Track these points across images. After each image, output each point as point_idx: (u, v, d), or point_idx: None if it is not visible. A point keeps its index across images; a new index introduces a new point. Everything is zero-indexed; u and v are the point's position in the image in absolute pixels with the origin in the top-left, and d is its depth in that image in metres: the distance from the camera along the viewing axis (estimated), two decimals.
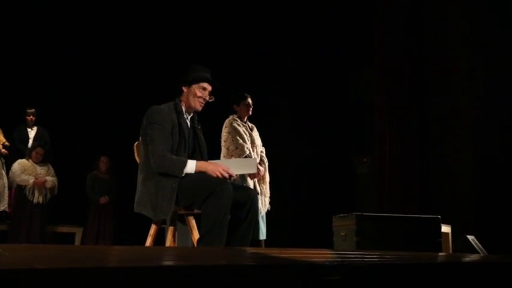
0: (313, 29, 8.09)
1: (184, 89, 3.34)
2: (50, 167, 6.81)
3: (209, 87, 3.35)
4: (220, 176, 3.08)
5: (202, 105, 3.35)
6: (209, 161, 3.31)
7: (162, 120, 3.18)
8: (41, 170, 6.68)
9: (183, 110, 3.33)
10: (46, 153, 6.82)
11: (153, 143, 3.13)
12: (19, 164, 6.62)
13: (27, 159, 6.70)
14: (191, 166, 3.11)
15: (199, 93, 3.31)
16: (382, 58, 6.92)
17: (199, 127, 3.45)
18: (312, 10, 8.04)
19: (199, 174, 3.11)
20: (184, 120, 3.31)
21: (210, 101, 3.36)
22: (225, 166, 3.17)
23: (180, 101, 3.34)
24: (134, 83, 7.81)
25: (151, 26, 7.92)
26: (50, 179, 6.69)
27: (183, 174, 3.09)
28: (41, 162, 6.74)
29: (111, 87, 7.84)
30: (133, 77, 7.84)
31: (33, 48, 7.53)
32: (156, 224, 3.26)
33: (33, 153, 6.71)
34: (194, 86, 3.31)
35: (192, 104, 3.31)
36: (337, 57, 8.01)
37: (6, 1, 7.32)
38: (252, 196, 3.20)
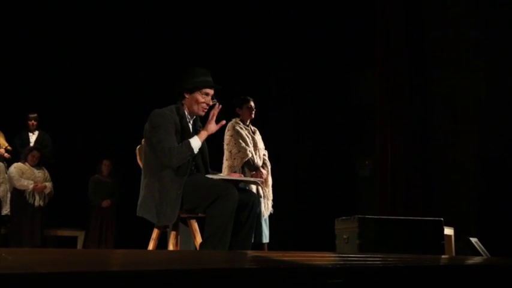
0: (314, 30, 8.09)
1: (186, 95, 3.30)
2: (46, 171, 6.76)
3: (211, 92, 3.32)
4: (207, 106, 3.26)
5: (206, 110, 3.33)
6: (219, 175, 3.33)
7: (166, 122, 3.18)
8: (38, 173, 6.63)
9: (186, 113, 3.31)
10: (42, 157, 6.78)
11: (160, 143, 3.13)
12: (16, 168, 6.53)
13: (23, 163, 6.63)
14: (195, 142, 3.17)
15: (202, 99, 3.28)
16: (384, 60, 6.91)
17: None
18: (313, 12, 8.04)
19: (204, 179, 3.10)
20: (187, 123, 3.29)
21: (212, 104, 3.34)
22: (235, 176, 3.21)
23: (182, 105, 3.32)
24: (136, 87, 7.82)
25: (152, 29, 7.93)
26: (49, 185, 6.65)
27: (196, 151, 3.16)
28: (37, 165, 6.69)
29: (113, 91, 7.85)
30: (135, 81, 7.85)
31: (34, 52, 7.54)
32: (158, 228, 3.25)
33: (30, 157, 6.63)
34: (196, 93, 3.28)
35: (195, 110, 3.29)
36: (338, 59, 8.01)
37: (8, 5, 7.33)
38: (253, 199, 3.19)
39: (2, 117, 6.95)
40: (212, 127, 3.24)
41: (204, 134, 3.22)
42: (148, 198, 3.15)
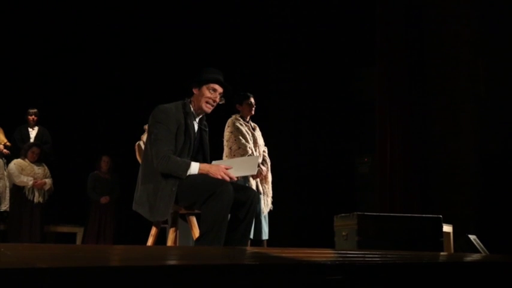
0: (314, 27, 8.09)
1: (195, 90, 3.28)
2: (46, 167, 6.75)
3: (220, 89, 3.28)
4: (221, 178, 3.07)
5: (212, 107, 3.28)
6: (212, 163, 3.30)
7: (168, 119, 3.15)
8: (38, 170, 6.60)
9: (192, 110, 3.28)
10: (42, 153, 6.77)
11: (157, 143, 3.11)
12: (15, 164, 6.50)
13: (23, 159, 6.60)
14: (194, 168, 3.08)
15: (209, 94, 3.24)
16: (383, 58, 6.92)
17: (206, 129, 3.41)
18: (314, 10, 8.04)
19: (200, 175, 3.09)
20: (192, 121, 3.26)
21: (220, 103, 3.31)
22: (228, 166, 3.16)
23: (190, 102, 3.29)
24: (136, 83, 7.81)
25: (154, 25, 7.92)
26: (49, 182, 6.64)
27: (185, 176, 3.07)
28: (37, 162, 6.67)
29: (113, 87, 7.84)
30: (136, 77, 7.84)
31: (34, 47, 7.53)
32: (156, 226, 3.25)
33: (29, 153, 6.60)
34: (204, 87, 3.25)
35: (201, 105, 3.25)
36: (338, 57, 8.01)
37: (8, 1, 7.32)
38: (252, 196, 3.17)
39: (1, 113, 6.94)
40: (217, 171, 3.08)
41: (206, 168, 3.10)
42: (144, 194, 3.14)
